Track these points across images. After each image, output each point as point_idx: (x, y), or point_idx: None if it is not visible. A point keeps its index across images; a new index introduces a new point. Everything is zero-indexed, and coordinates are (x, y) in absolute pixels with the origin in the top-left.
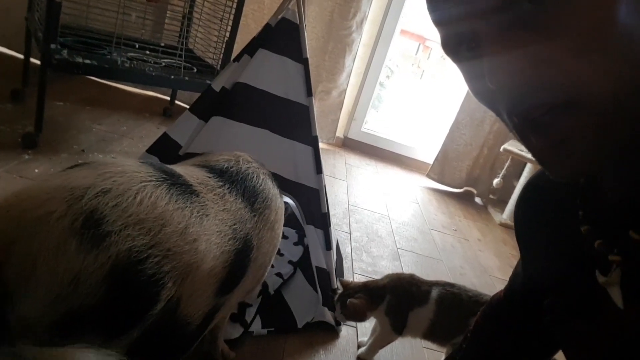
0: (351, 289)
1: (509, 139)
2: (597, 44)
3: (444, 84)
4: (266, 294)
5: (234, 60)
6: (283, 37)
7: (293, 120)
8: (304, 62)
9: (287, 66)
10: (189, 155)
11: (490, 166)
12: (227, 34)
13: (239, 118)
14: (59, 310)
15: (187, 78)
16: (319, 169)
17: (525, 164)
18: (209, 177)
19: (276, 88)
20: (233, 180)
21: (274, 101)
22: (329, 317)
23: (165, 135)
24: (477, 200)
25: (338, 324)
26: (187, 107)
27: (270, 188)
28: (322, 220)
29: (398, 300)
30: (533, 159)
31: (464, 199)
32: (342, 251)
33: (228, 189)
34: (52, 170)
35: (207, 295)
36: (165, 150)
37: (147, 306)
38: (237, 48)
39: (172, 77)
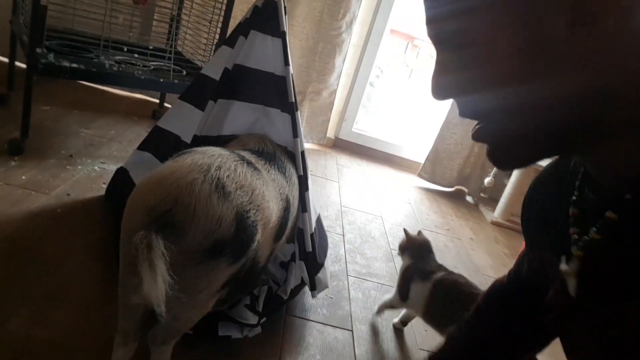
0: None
1: None
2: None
3: None
4: (270, 290)
5: (225, 43)
6: (268, 17)
7: (282, 94)
8: (282, 35)
9: (273, 43)
10: (200, 138)
11: (482, 165)
12: (217, 36)
13: (239, 97)
14: (210, 240)
15: (176, 81)
16: (295, 133)
17: None
18: (254, 156)
19: (266, 65)
20: (269, 158)
21: (266, 78)
22: (305, 274)
23: (157, 128)
24: (469, 199)
25: (313, 288)
26: None
27: (288, 159)
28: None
29: (408, 265)
30: None
31: (456, 197)
32: (336, 253)
33: (269, 164)
34: (40, 176)
35: (270, 241)
36: (159, 143)
37: (251, 242)
38: None
39: (161, 80)
